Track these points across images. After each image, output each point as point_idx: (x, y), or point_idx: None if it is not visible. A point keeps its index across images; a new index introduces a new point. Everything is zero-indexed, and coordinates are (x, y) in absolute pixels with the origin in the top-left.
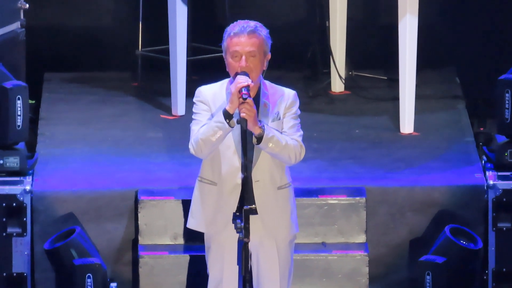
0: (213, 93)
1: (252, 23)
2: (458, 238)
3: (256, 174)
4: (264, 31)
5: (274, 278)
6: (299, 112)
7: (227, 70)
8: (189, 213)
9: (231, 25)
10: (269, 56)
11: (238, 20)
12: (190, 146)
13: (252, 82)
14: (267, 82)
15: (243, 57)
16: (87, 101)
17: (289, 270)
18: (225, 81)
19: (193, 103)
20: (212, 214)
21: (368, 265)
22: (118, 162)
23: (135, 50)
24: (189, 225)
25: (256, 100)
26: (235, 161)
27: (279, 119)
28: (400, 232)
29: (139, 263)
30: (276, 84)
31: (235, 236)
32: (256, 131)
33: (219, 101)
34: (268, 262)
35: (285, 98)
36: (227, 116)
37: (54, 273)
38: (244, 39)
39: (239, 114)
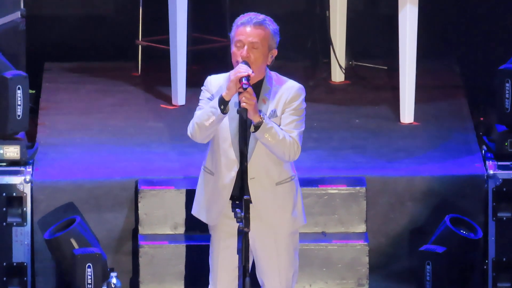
0: (219, 84)
1: (262, 16)
2: (458, 228)
3: (251, 171)
4: (272, 26)
5: (273, 268)
6: (303, 106)
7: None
8: (194, 199)
9: (241, 15)
10: (275, 52)
11: (250, 12)
12: (188, 128)
13: (253, 72)
14: (274, 75)
15: (245, 47)
16: (87, 91)
17: (291, 260)
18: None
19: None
20: (207, 203)
21: (368, 254)
22: (118, 152)
23: (136, 40)
24: (192, 211)
25: (256, 94)
26: (231, 154)
27: (276, 116)
28: (400, 222)
29: (139, 252)
30: (279, 74)
31: (228, 227)
32: (255, 119)
33: (223, 91)
34: (266, 252)
35: (286, 93)
36: (222, 102)
37: (54, 263)
38: (249, 30)
39: (239, 104)
